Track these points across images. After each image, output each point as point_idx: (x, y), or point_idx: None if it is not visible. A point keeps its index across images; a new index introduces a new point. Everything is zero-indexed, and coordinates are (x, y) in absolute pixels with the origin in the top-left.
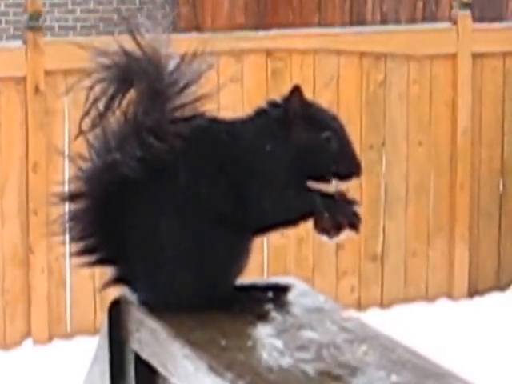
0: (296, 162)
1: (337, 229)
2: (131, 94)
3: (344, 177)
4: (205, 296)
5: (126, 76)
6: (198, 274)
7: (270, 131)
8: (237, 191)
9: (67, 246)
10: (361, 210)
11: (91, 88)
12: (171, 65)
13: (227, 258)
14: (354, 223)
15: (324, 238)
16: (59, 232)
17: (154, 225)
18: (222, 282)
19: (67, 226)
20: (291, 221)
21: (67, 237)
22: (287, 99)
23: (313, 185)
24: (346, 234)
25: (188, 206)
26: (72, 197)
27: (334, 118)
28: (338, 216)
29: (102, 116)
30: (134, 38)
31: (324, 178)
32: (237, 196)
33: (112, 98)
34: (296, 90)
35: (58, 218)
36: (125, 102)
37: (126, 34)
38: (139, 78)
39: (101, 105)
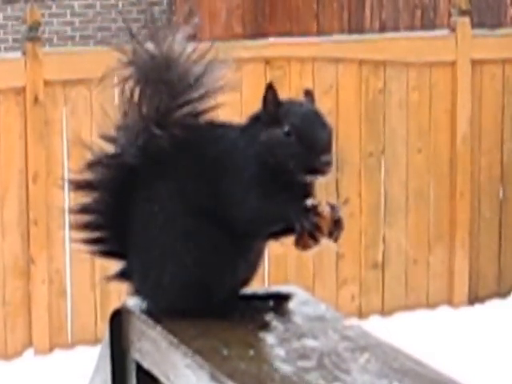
0: (260, 158)
1: (303, 242)
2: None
3: (307, 172)
4: (197, 298)
5: (144, 73)
6: (182, 269)
7: (248, 131)
8: (213, 188)
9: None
10: (325, 221)
11: (122, 87)
12: (183, 62)
13: (214, 258)
14: (314, 235)
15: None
16: (71, 223)
17: (146, 220)
18: (215, 286)
19: (77, 216)
20: (266, 224)
21: (73, 229)
22: (263, 99)
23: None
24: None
25: (175, 203)
26: (81, 186)
27: (305, 113)
28: (305, 227)
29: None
30: (153, 37)
31: (290, 174)
32: (212, 193)
33: (141, 94)
34: (269, 88)
35: (70, 209)
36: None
37: (145, 34)
38: (151, 73)
39: (129, 101)
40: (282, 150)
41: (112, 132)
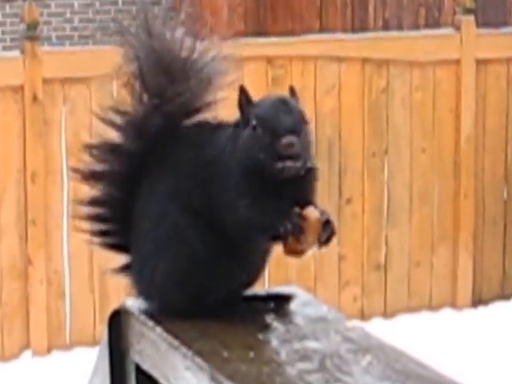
0: (242, 164)
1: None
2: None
3: (275, 159)
4: (189, 298)
5: (145, 65)
6: (173, 266)
7: (232, 137)
8: (206, 190)
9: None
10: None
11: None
12: (183, 56)
13: (205, 258)
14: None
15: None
16: (80, 214)
17: (143, 215)
18: (206, 286)
19: (86, 207)
20: (256, 231)
21: (82, 220)
22: (237, 103)
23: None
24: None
25: (168, 200)
26: (88, 177)
27: (270, 103)
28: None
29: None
30: (150, 32)
31: (265, 170)
32: (206, 194)
33: (142, 84)
34: (240, 91)
35: (79, 200)
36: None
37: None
38: (152, 66)
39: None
40: (252, 146)
41: (114, 118)
